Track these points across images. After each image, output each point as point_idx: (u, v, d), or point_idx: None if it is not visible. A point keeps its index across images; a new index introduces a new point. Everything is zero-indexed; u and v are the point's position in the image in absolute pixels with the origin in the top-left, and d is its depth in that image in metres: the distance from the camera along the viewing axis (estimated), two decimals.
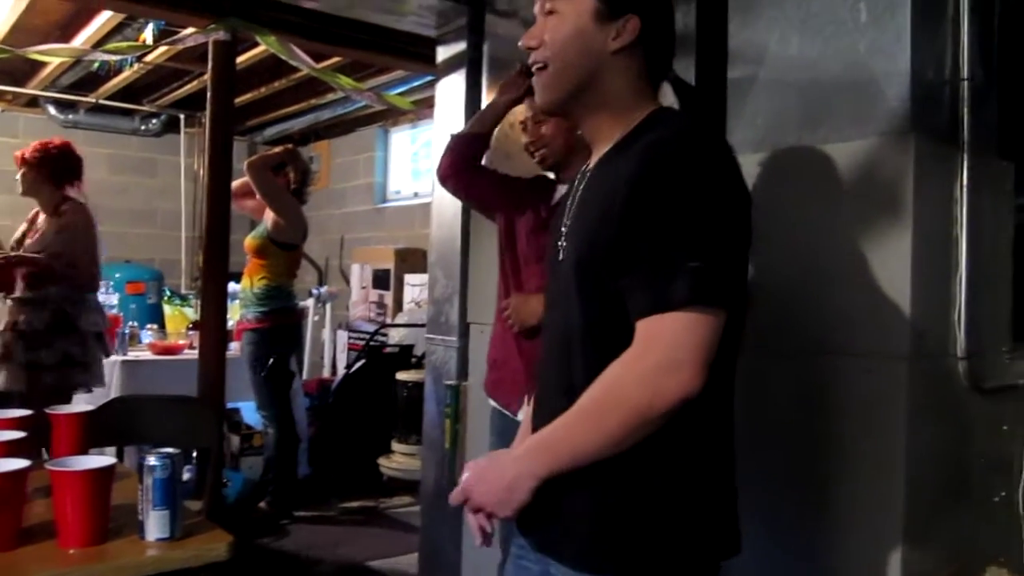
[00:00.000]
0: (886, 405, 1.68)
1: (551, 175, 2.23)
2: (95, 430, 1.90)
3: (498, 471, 1.17)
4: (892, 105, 1.78)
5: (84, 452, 1.78)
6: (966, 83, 1.84)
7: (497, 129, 2.98)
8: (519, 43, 1.34)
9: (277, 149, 4.33)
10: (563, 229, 1.30)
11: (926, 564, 1.69)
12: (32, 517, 1.39)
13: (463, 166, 2.26)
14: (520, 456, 1.17)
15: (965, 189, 1.80)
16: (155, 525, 1.35)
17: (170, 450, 1.35)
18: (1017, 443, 1.89)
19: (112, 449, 2.36)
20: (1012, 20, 2.10)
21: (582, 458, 1.11)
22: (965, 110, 1.84)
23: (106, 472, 1.35)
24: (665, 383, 1.06)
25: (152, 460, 1.33)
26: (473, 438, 2.94)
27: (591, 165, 1.31)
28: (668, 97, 1.36)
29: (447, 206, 3.28)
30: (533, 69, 1.30)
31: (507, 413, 2.14)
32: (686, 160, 1.13)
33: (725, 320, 1.09)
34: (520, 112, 2.22)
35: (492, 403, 2.25)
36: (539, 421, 1.28)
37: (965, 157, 1.80)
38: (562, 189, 2.08)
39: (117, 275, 5.98)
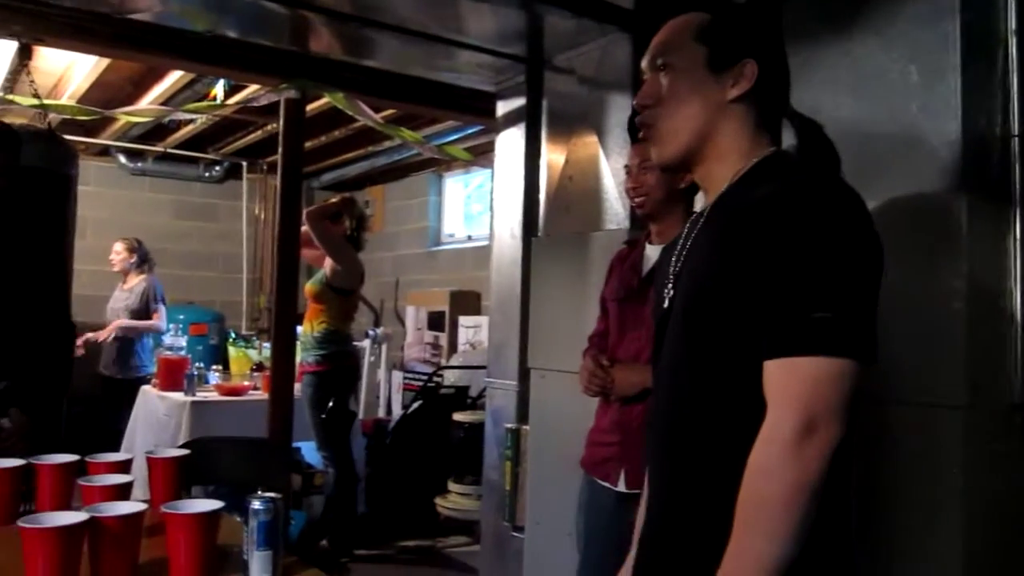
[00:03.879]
0: (943, 455, 1.73)
1: (625, 243, 2.33)
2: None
3: None
4: (944, 163, 1.86)
5: (179, 494, 1.91)
6: (1016, 139, 1.91)
7: (556, 182, 3.11)
8: (633, 102, 1.33)
9: (334, 199, 4.50)
10: (671, 276, 1.27)
11: None
12: (144, 555, 1.50)
13: None
14: None
15: (1017, 242, 1.85)
16: (258, 565, 1.45)
17: (273, 495, 1.46)
18: None
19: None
20: None
21: (775, 572, 1.02)
22: (1016, 165, 1.90)
23: (214, 515, 1.47)
24: (807, 451, 1.02)
25: (257, 504, 1.44)
26: (533, 482, 3.01)
27: (705, 211, 1.27)
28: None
29: (506, 252, 3.40)
30: (639, 124, 1.29)
31: (604, 485, 2.12)
32: (807, 211, 1.08)
33: (856, 370, 1.04)
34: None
35: (584, 474, 2.24)
36: (652, 479, 1.30)
37: (1017, 211, 1.87)
38: (650, 249, 2.14)
39: (181, 317, 6.19)
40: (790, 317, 1.05)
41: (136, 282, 5.43)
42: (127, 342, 5.31)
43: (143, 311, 5.32)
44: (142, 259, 5.50)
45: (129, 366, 5.31)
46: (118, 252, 5.48)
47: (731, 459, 1.09)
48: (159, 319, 5.36)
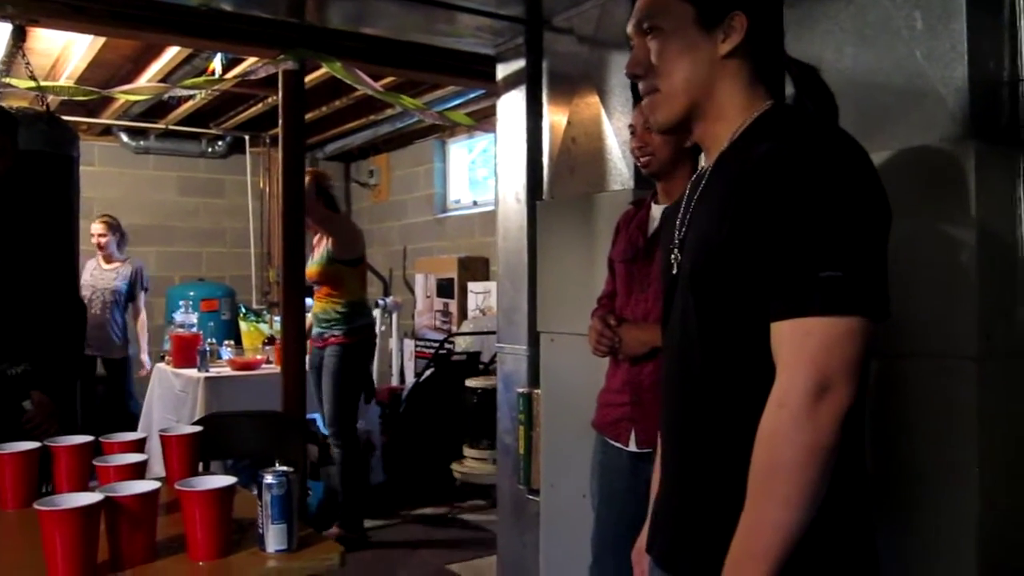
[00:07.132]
0: (957, 406, 1.72)
1: (631, 203, 2.31)
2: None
3: None
4: (951, 111, 1.83)
5: (195, 470, 1.92)
6: None
7: (559, 144, 3.08)
8: (624, 72, 1.29)
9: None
10: (676, 240, 1.26)
11: (1000, 567, 1.72)
12: (162, 532, 1.52)
13: None
14: None
15: None
16: (274, 538, 1.47)
17: (285, 468, 1.47)
18: None
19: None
20: None
21: (791, 537, 1.01)
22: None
23: (228, 491, 1.48)
24: (821, 412, 1.00)
25: (269, 478, 1.45)
26: (547, 445, 3.03)
27: (706, 171, 1.25)
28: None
29: (512, 218, 3.38)
30: (642, 93, 1.26)
31: (616, 445, 2.14)
32: (810, 167, 1.05)
33: (868, 327, 1.03)
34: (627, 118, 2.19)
35: (596, 435, 2.25)
36: (667, 447, 1.29)
37: None
38: (656, 209, 2.14)
39: (192, 293, 6.21)
40: (798, 277, 1.03)
41: (121, 264, 5.45)
42: (102, 322, 5.35)
43: (130, 295, 5.39)
44: (123, 234, 5.54)
45: (106, 345, 5.39)
46: (102, 234, 5.45)
47: (744, 423, 1.08)
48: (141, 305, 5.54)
